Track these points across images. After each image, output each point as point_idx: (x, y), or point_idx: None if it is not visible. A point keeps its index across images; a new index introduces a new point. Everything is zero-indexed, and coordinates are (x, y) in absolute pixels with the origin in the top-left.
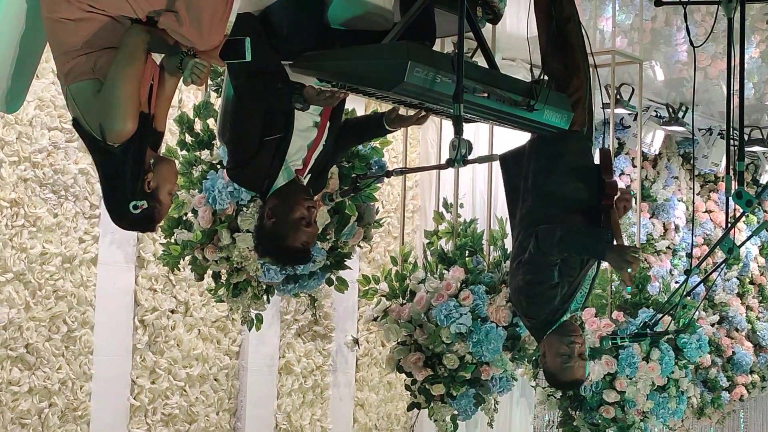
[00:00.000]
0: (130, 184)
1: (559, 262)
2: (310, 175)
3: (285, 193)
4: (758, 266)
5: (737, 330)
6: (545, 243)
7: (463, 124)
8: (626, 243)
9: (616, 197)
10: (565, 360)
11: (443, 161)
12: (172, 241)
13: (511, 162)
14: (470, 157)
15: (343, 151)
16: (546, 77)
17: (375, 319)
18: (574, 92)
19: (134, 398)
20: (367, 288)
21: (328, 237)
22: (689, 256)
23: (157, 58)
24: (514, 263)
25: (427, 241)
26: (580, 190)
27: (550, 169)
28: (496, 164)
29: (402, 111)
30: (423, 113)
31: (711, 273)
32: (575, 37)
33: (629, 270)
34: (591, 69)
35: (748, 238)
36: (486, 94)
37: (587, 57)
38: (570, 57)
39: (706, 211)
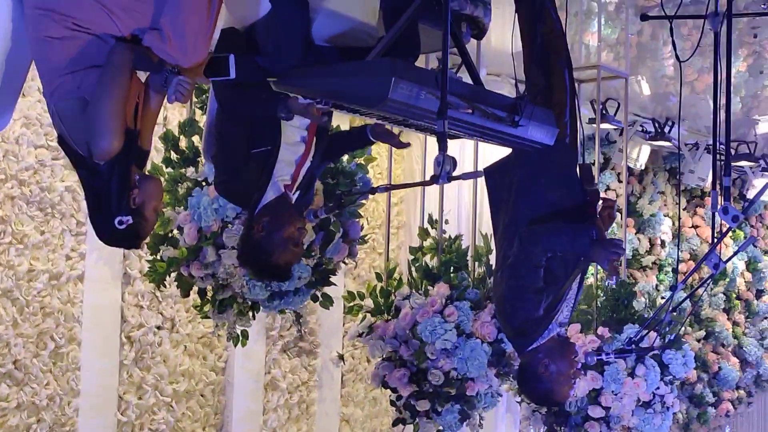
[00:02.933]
0: (115, 201)
1: (544, 266)
2: (298, 192)
3: (276, 209)
4: (745, 282)
5: (723, 345)
6: (529, 243)
7: (448, 140)
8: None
9: (599, 207)
10: (571, 382)
11: (428, 177)
12: (158, 257)
13: (495, 174)
14: (455, 174)
15: (328, 163)
16: (527, 93)
17: (360, 335)
18: (556, 105)
19: (121, 414)
20: (352, 304)
21: (313, 253)
22: (675, 271)
23: (142, 75)
24: (498, 273)
25: (412, 257)
26: (563, 199)
27: (534, 180)
28: (481, 181)
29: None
30: (405, 143)
31: (697, 288)
32: (557, 49)
33: (615, 261)
34: (575, 83)
35: (735, 254)
36: (470, 110)
37: (570, 68)
38: (550, 70)
39: (692, 227)
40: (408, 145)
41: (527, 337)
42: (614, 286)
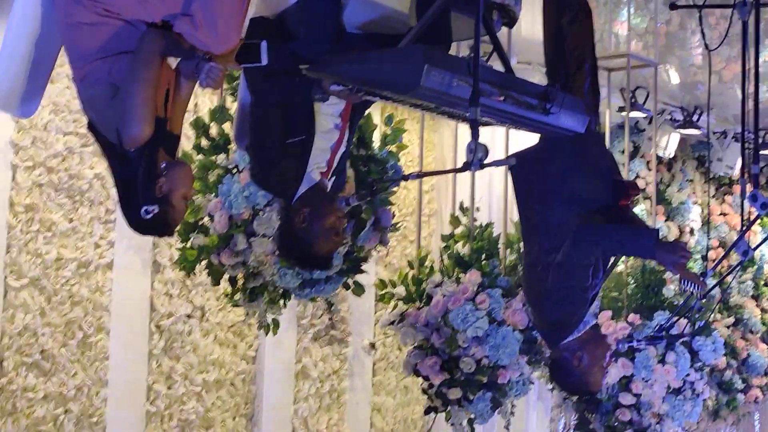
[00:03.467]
0: (141, 190)
1: (593, 265)
2: (333, 178)
3: (315, 199)
4: None
5: (752, 332)
6: (585, 243)
7: (480, 127)
8: None
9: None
10: (604, 371)
11: (459, 165)
12: (188, 245)
13: (521, 164)
14: (486, 161)
15: None
16: (556, 80)
17: (391, 323)
18: (587, 93)
19: (150, 404)
20: (383, 292)
21: (344, 241)
22: (704, 259)
23: (173, 62)
24: (533, 265)
25: (444, 244)
26: (599, 191)
27: (568, 171)
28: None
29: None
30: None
31: (726, 276)
32: (583, 36)
33: (682, 263)
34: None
35: (763, 241)
36: (502, 98)
37: (593, 65)
38: (568, 63)
39: (721, 214)
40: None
41: (564, 331)
42: (694, 292)
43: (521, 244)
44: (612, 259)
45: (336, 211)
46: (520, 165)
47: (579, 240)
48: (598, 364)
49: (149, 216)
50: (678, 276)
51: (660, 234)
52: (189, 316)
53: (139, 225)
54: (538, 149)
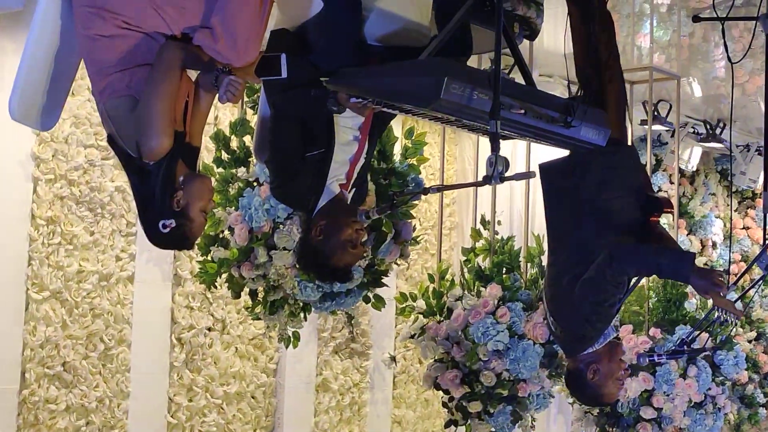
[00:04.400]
0: (159, 203)
1: (623, 283)
2: (354, 190)
3: (333, 211)
4: None
5: None
6: (625, 262)
7: (500, 141)
8: None
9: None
10: (619, 384)
11: (480, 178)
12: (209, 258)
13: (552, 173)
14: (507, 174)
15: None
16: (582, 93)
17: (412, 337)
18: (614, 107)
19: (171, 416)
20: (404, 305)
21: (365, 254)
22: (727, 273)
23: (192, 74)
24: (559, 277)
25: (465, 258)
26: (631, 205)
27: (603, 184)
28: (534, 181)
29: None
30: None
31: (748, 290)
32: (610, 49)
33: (718, 291)
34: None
35: None
36: (523, 111)
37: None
38: (605, 71)
39: (743, 228)
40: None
41: (585, 343)
42: (729, 320)
43: (543, 258)
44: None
45: (354, 224)
46: (552, 173)
47: (617, 258)
48: (613, 377)
49: (167, 230)
50: (711, 302)
51: (693, 257)
52: (210, 329)
53: (157, 239)
54: (572, 158)
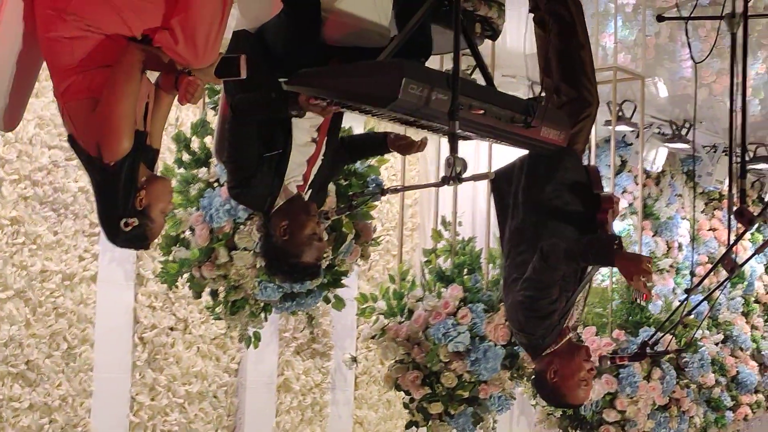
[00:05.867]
0: (122, 202)
1: (563, 279)
2: (310, 191)
3: (292, 210)
4: (763, 285)
5: (742, 349)
6: (553, 256)
7: (460, 141)
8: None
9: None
10: (583, 384)
11: (440, 178)
12: (170, 258)
13: (501, 179)
14: (466, 175)
15: (343, 165)
16: (543, 93)
17: (373, 338)
18: (584, 110)
19: (134, 415)
20: (365, 306)
21: (325, 255)
22: (692, 274)
23: (153, 76)
24: (510, 279)
25: (426, 259)
26: (572, 204)
27: (541, 185)
28: None
29: (400, 129)
30: (421, 142)
31: (712, 292)
32: (581, 52)
33: (642, 278)
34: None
35: (750, 257)
36: (482, 111)
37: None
38: (578, 80)
39: (710, 229)
40: (424, 145)
41: (541, 344)
42: (643, 304)
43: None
44: (588, 269)
45: (313, 218)
46: (499, 180)
47: (546, 254)
48: (575, 378)
49: (128, 228)
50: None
51: (620, 241)
52: (172, 329)
53: (117, 238)
54: (515, 164)
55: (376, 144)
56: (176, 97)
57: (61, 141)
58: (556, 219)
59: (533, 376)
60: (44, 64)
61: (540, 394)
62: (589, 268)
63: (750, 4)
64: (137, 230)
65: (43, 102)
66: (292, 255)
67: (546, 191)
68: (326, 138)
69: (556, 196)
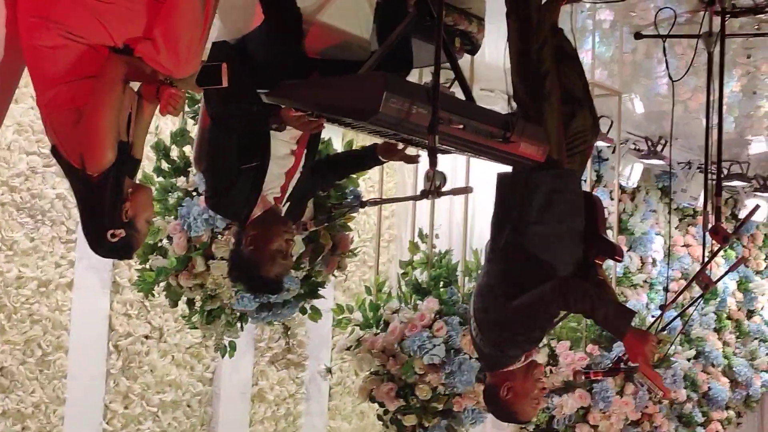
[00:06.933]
0: (108, 213)
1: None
2: (288, 203)
3: (264, 222)
4: (736, 301)
5: (713, 365)
6: (571, 300)
7: (440, 155)
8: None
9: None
10: (534, 403)
11: (419, 192)
12: (147, 267)
13: (506, 184)
14: (445, 189)
15: (333, 182)
16: (520, 109)
17: (348, 349)
18: (547, 123)
19: (107, 423)
20: (341, 317)
21: (302, 266)
22: (666, 290)
23: (135, 85)
24: (498, 292)
25: (402, 271)
26: (574, 235)
27: (547, 206)
28: (473, 195)
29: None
30: (414, 155)
31: (686, 308)
32: (548, 64)
33: (646, 358)
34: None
35: (724, 275)
36: (461, 126)
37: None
38: (540, 85)
39: (684, 245)
40: (418, 157)
41: (507, 362)
42: (657, 395)
43: (480, 272)
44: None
45: (284, 234)
46: (504, 184)
47: (563, 294)
48: (528, 396)
49: (115, 239)
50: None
51: (633, 315)
52: (147, 337)
53: (103, 248)
54: (522, 174)
55: (364, 157)
56: (157, 107)
57: (40, 147)
58: (553, 244)
59: (485, 389)
60: (24, 71)
61: (489, 408)
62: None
63: (726, 22)
64: (124, 240)
65: (22, 108)
66: (253, 266)
67: (549, 212)
68: (305, 150)
69: (558, 221)
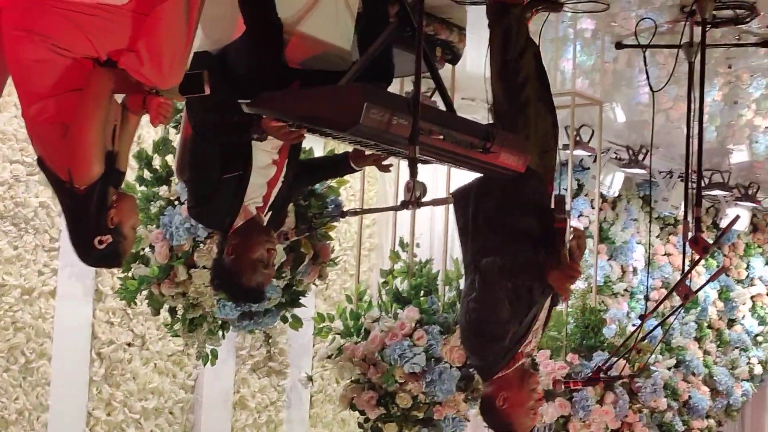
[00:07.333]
0: (93, 221)
1: (508, 298)
2: (270, 212)
3: (246, 231)
4: (716, 310)
5: (694, 374)
6: (490, 274)
7: (420, 165)
8: (583, 282)
9: (570, 236)
10: (531, 413)
11: (399, 202)
12: (130, 275)
13: (460, 197)
14: (425, 199)
15: (307, 187)
16: (500, 119)
17: (329, 357)
18: (522, 130)
19: (90, 430)
20: (322, 326)
21: (283, 275)
22: (647, 299)
23: (119, 97)
24: (464, 301)
25: (383, 280)
26: (533, 227)
27: (503, 207)
28: (453, 206)
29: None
30: (387, 163)
31: (666, 318)
32: (525, 74)
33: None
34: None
35: (704, 285)
36: (442, 137)
37: (547, 93)
38: (517, 94)
39: (665, 254)
40: (389, 167)
41: (492, 366)
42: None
43: (461, 281)
44: (544, 299)
45: (266, 243)
46: (458, 198)
47: (484, 274)
48: (524, 406)
49: (102, 246)
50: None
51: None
52: (129, 344)
53: (91, 257)
54: (471, 186)
55: (337, 163)
56: (148, 118)
57: (23, 156)
58: (517, 240)
59: (481, 400)
60: (8, 80)
61: (485, 419)
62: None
63: (707, 32)
64: (111, 247)
65: (6, 117)
66: (234, 275)
67: (508, 212)
68: (286, 160)
69: (519, 218)
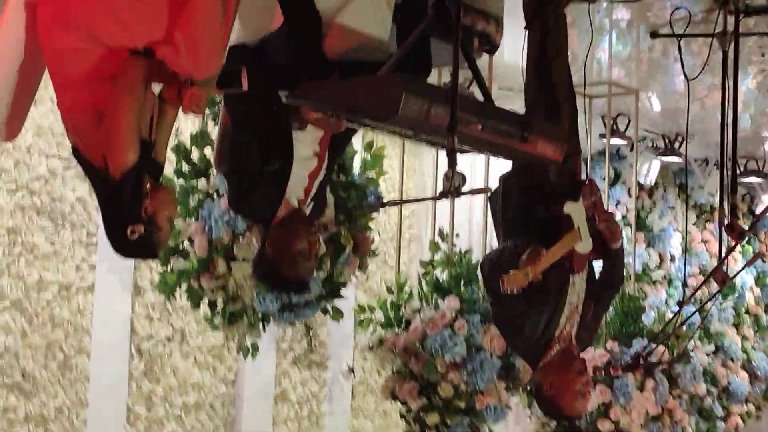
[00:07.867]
0: (127, 210)
1: (521, 291)
2: (312, 204)
3: (288, 223)
4: (754, 296)
5: (733, 360)
6: (483, 268)
7: (459, 155)
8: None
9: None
10: (580, 397)
11: (438, 192)
12: (169, 269)
13: (493, 196)
14: (464, 189)
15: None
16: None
17: (370, 348)
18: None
19: (130, 426)
20: (362, 317)
21: (323, 266)
22: (685, 286)
23: (157, 87)
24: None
25: (423, 270)
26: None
27: (526, 198)
28: None
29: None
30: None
31: (705, 304)
32: (558, 74)
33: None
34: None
35: (740, 270)
36: (480, 126)
37: (572, 95)
38: (552, 95)
39: (702, 242)
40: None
41: (529, 356)
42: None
43: None
44: (571, 280)
45: (308, 236)
46: (492, 196)
47: (480, 265)
48: (570, 390)
49: (135, 236)
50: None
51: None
52: (169, 339)
53: (125, 246)
54: (505, 175)
55: None
56: (179, 109)
57: (59, 150)
58: (532, 234)
59: (532, 388)
60: (44, 73)
61: (540, 408)
62: (571, 279)
63: (740, 21)
64: (145, 237)
65: (41, 111)
66: (275, 266)
67: (528, 206)
68: (328, 152)
69: (543, 209)
